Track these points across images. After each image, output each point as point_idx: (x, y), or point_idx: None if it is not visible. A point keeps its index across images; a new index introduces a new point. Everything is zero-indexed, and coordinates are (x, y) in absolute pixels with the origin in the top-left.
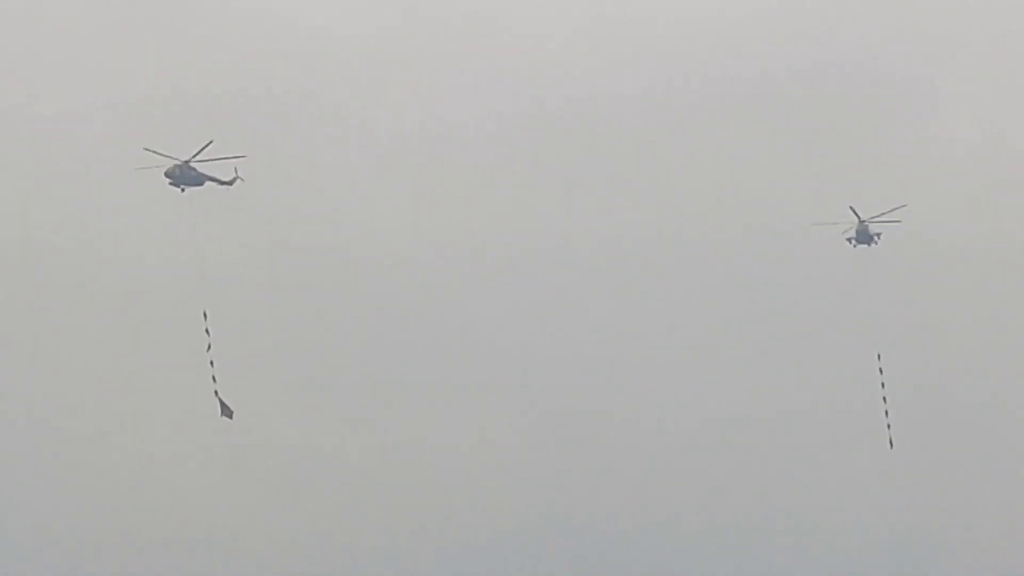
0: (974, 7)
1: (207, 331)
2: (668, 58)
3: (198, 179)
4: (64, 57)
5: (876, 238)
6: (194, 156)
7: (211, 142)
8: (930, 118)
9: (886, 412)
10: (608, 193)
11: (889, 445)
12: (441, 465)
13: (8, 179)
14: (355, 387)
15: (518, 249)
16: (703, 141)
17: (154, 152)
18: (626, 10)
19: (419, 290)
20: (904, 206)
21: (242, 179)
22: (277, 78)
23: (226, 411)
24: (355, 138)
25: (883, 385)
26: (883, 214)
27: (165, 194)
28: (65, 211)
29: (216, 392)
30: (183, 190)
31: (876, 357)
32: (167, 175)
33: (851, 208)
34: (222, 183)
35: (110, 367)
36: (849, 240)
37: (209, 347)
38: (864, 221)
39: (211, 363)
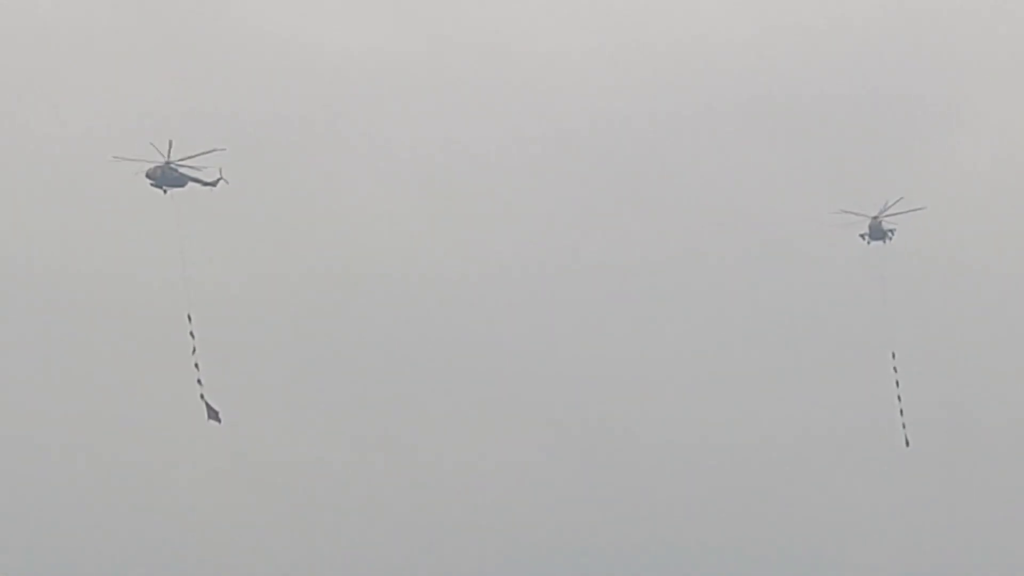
0: (995, 28)
1: (192, 334)
2: (689, 79)
3: (180, 180)
4: (80, 75)
5: (890, 234)
6: (167, 155)
7: (171, 141)
8: (951, 135)
9: (901, 411)
10: (629, 211)
11: (905, 444)
12: (459, 484)
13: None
14: (369, 405)
15: (539, 267)
16: (723, 160)
17: (125, 159)
18: (645, 30)
19: (436, 308)
20: (901, 199)
21: (226, 180)
22: (297, 98)
23: (212, 414)
24: (374, 157)
25: (898, 384)
26: (892, 205)
27: (160, 199)
28: (46, 214)
29: (202, 395)
30: (165, 191)
31: (891, 355)
32: (148, 176)
33: (844, 210)
34: (205, 184)
35: (94, 371)
36: (862, 236)
37: (194, 350)
38: (876, 217)
39: (196, 366)
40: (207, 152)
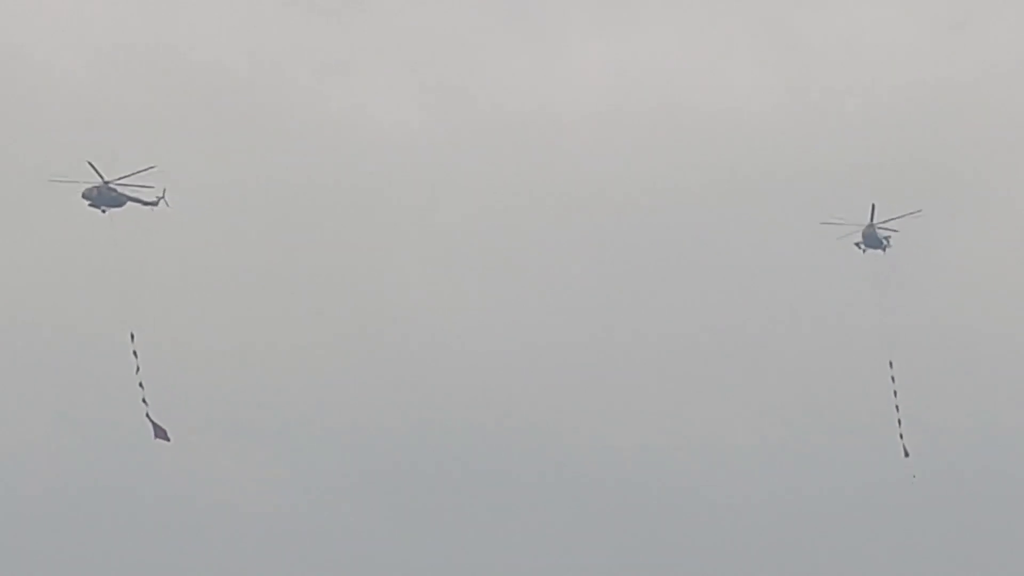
0: None
1: (135, 353)
2: (712, 149)
3: (119, 200)
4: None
5: (887, 242)
6: (116, 179)
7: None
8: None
9: (899, 421)
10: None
11: (904, 454)
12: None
13: None
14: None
15: (581, 346)
16: (762, 234)
17: (63, 181)
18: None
19: (472, 385)
20: (920, 211)
21: (167, 203)
22: (341, 169)
23: (160, 433)
24: (413, 226)
25: (895, 393)
26: (895, 218)
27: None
28: None
29: (148, 415)
30: (104, 211)
31: (888, 365)
32: (85, 196)
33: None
34: (146, 203)
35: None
36: (857, 245)
37: (138, 369)
38: (872, 224)
39: (140, 385)
40: (142, 170)
